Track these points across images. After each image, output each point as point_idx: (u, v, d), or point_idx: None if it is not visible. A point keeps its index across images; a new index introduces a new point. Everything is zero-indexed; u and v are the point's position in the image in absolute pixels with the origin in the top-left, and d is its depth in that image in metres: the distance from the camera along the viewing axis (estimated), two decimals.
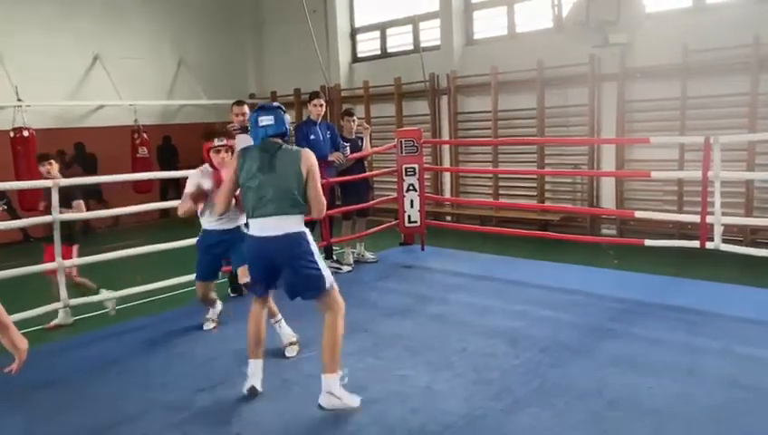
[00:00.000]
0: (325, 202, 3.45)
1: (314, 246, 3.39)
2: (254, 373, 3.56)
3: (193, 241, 5.16)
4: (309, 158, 3.35)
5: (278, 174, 3.29)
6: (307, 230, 3.39)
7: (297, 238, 3.32)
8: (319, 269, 3.34)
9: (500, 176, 9.22)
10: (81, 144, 10.54)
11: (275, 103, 3.50)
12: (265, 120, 3.34)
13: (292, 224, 3.32)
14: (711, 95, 7.15)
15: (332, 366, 3.30)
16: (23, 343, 2.09)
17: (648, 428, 3.10)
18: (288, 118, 3.45)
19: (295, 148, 3.47)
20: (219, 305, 4.92)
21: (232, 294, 5.83)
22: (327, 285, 3.35)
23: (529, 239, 7.58)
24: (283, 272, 3.38)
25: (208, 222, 4.40)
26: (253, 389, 3.52)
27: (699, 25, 7.25)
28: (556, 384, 3.63)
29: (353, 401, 3.34)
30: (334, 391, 3.28)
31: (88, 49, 10.72)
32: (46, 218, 4.89)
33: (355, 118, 6.79)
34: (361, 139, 6.95)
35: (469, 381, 3.71)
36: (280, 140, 3.39)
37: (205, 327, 4.78)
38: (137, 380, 3.94)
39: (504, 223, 8.83)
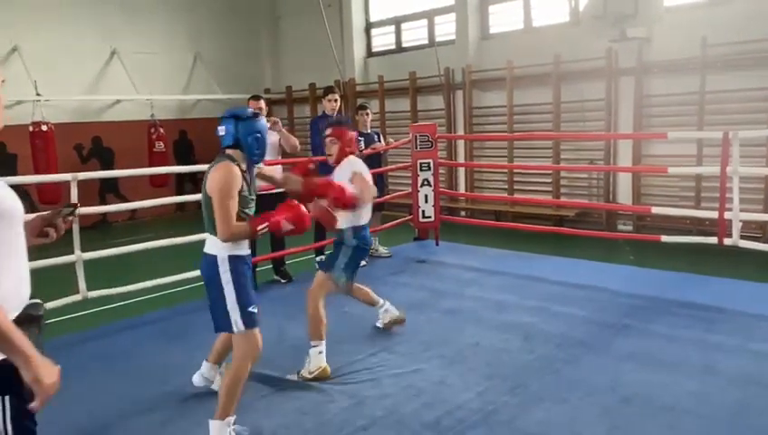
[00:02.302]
0: (229, 228, 2.89)
1: (231, 279, 2.97)
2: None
3: None
4: (215, 178, 2.89)
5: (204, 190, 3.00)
6: (227, 257, 2.97)
7: (211, 261, 2.99)
8: (225, 307, 2.97)
9: (515, 171, 9.18)
10: (98, 138, 10.65)
11: (235, 110, 3.10)
12: (220, 130, 3.03)
13: (209, 245, 3.01)
14: (730, 90, 7.05)
15: (223, 410, 3.00)
16: (48, 377, 1.64)
17: (661, 425, 3.09)
18: (252, 126, 3.00)
19: (221, 163, 2.95)
20: (387, 303, 4.54)
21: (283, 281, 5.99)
22: (234, 329, 3.00)
23: (544, 235, 7.55)
24: None
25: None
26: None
27: (718, 19, 7.14)
28: (570, 380, 3.62)
29: None
30: None
31: (105, 44, 10.82)
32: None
33: (369, 112, 6.80)
34: (378, 134, 6.97)
35: (483, 375, 3.71)
36: (229, 152, 3.00)
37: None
38: (154, 371, 3.99)
39: (519, 218, 8.79)
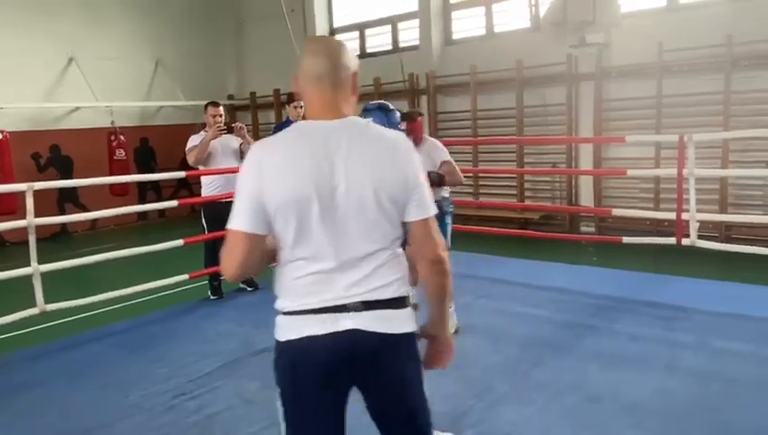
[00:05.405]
0: None
1: None
2: None
3: (173, 243, 5.16)
4: None
5: None
6: None
7: None
8: None
9: (480, 175, 9.26)
10: (56, 146, 10.37)
11: (381, 103, 3.46)
12: (368, 117, 3.40)
13: None
14: (686, 94, 7.25)
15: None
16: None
17: (627, 422, 3.14)
18: (395, 116, 3.34)
19: None
20: None
21: (212, 297, 5.80)
22: None
23: (509, 238, 7.62)
24: None
25: None
26: None
27: (674, 25, 7.34)
28: (537, 380, 3.66)
29: None
30: None
31: (63, 50, 10.55)
32: (21, 223, 4.80)
33: None
34: None
35: (451, 378, 3.70)
36: None
37: None
38: (116, 384, 3.90)
39: (485, 221, 8.87)
